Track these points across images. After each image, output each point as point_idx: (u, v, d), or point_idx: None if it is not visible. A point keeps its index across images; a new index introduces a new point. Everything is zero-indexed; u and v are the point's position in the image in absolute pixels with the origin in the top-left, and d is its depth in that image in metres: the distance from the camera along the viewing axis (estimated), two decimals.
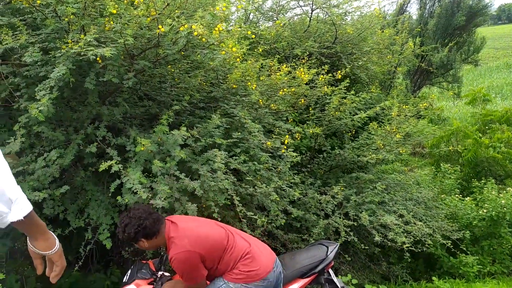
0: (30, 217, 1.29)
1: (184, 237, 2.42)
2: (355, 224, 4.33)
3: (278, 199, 3.36)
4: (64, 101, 3.38)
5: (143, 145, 2.93)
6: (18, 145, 2.87)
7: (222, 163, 3.14)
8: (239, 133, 3.59)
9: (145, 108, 3.85)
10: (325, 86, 4.66)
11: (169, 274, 2.91)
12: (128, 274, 2.91)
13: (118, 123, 3.52)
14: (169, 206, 2.88)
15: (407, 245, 4.17)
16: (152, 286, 2.79)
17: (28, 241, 1.39)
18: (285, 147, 3.78)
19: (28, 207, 1.27)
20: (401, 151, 5.21)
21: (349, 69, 5.24)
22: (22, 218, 1.25)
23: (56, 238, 1.43)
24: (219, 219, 3.00)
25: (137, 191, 2.74)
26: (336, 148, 5.44)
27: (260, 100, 4.17)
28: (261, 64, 4.64)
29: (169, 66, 3.87)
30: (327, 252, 3.15)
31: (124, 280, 2.89)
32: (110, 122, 3.39)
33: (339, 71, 4.95)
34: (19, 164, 3.01)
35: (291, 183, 3.97)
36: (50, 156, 2.97)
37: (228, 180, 3.15)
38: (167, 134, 3.18)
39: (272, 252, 2.79)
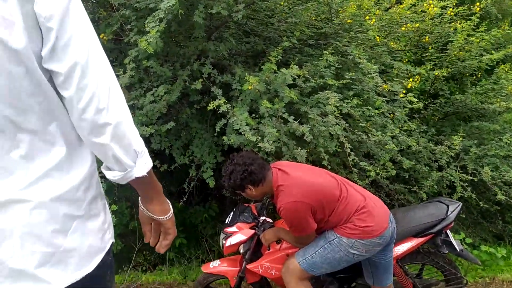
0: (151, 174, 1.12)
1: (295, 186, 2.25)
2: (475, 180, 3.87)
3: (395, 148, 3.04)
4: (172, 36, 3.29)
5: (251, 83, 2.74)
6: (128, 79, 2.87)
7: (335, 107, 2.86)
8: (353, 74, 3.24)
9: (250, 44, 3.64)
10: (458, 22, 4.00)
11: (271, 221, 2.81)
12: (231, 216, 2.87)
13: (223, 60, 3.37)
14: (275, 151, 2.71)
15: None
16: (254, 230, 2.72)
17: (140, 204, 1.21)
18: (404, 91, 3.36)
19: (151, 162, 1.10)
20: None
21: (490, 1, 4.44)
22: (146, 174, 1.08)
23: (170, 203, 1.25)
24: (329, 167, 2.78)
25: (244, 133, 2.60)
26: (456, 92, 4.82)
27: (378, 37, 3.71)
28: None
29: None
30: (447, 211, 2.83)
31: (226, 222, 2.86)
32: (215, 58, 3.24)
33: (477, 3, 4.21)
34: (129, 99, 3.02)
35: (405, 130, 3.59)
36: (158, 92, 2.94)
37: (339, 125, 2.88)
38: (276, 72, 2.95)
39: (385, 207, 2.53)
